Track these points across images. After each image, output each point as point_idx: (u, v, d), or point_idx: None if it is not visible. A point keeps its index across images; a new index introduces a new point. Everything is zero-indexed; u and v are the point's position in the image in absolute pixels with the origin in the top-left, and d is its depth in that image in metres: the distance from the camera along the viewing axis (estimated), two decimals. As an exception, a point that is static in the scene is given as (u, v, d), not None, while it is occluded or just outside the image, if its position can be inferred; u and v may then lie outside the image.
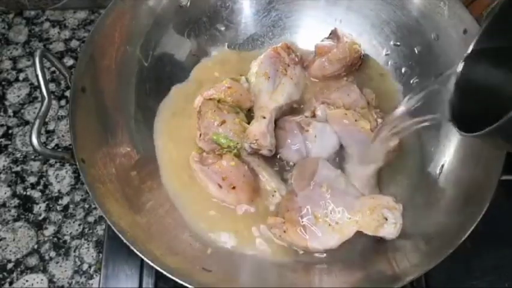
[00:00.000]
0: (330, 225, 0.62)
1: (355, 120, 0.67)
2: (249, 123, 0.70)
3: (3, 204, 0.77)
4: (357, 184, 0.66)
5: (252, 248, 0.65)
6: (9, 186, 0.79)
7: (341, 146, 0.69)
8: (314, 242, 0.63)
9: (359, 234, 0.63)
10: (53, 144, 0.83)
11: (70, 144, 0.59)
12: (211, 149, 0.69)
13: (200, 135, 0.69)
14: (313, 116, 0.71)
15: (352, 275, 0.61)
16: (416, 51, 0.77)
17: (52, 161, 0.81)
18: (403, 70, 0.78)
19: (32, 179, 0.79)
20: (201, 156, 0.69)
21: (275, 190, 0.68)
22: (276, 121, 0.71)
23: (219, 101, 0.71)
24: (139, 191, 0.67)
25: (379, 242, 0.64)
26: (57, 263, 0.73)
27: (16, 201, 0.78)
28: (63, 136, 0.83)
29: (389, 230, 0.61)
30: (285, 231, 0.64)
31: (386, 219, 0.61)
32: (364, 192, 0.65)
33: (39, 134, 0.57)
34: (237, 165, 0.67)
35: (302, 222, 0.63)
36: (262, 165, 0.69)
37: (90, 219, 0.76)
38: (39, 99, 0.83)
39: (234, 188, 0.66)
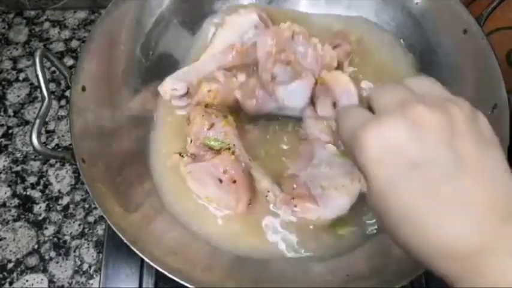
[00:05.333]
0: (337, 189, 0.63)
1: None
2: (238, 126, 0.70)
3: (3, 204, 0.77)
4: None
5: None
6: (9, 186, 0.79)
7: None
8: (326, 209, 0.63)
9: (358, 235, 0.63)
10: (53, 144, 0.83)
11: (70, 144, 0.58)
12: (204, 152, 0.68)
13: (191, 141, 0.68)
14: (273, 78, 0.70)
15: (352, 275, 0.61)
16: (416, 52, 0.77)
17: (52, 161, 0.81)
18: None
19: (32, 179, 0.80)
20: (194, 156, 0.68)
21: (268, 190, 0.67)
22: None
23: (206, 106, 0.70)
24: (140, 191, 0.67)
25: (378, 243, 0.64)
26: (57, 263, 0.73)
27: (16, 201, 0.78)
28: (63, 136, 0.84)
29: None
30: (295, 207, 0.64)
31: None
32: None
33: (39, 134, 0.57)
34: (236, 160, 0.66)
35: (310, 194, 0.63)
36: (255, 166, 0.68)
37: (90, 219, 0.76)
38: (39, 99, 0.83)
39: (234, 181, 0.65)
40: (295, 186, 0.64)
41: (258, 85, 0.70)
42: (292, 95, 0.69)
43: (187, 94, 0.72)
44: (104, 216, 0.55)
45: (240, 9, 0.75)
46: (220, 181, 0.65)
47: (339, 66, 0.75)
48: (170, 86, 0.71)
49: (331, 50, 0.74)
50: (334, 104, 0.70)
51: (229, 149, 0.67)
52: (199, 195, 0.67)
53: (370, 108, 0.39)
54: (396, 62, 0.77)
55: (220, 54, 0.74)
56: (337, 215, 0.63)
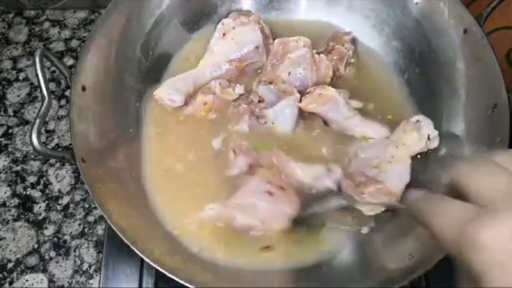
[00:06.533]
0: (389, 161, 0.65)
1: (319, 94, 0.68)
2: None
3: (3, 204, 0.77)
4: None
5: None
6: (9, 186, 0.79)
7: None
8: (391, 181, 0.64)
9: (358, 236, 0.63)
10: (53, 144, 0.83)
11: (70, 144, 0.58)
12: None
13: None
14: (261, 101, 0.70)
15: (352, 274, 0.61)
16: (416, 52, 0.77)
17: (52, 160, 0.81)
18: (403, 70, 0.78)
19: (32, 179, 0.80)
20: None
21: (329, 169, 0.65)
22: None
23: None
24: (140, 190, 0.67)
25: (378, 243, 0.64)
26: (57, 262, 0.73)
27: (16, 200, 0.78)
28: (63, 136, 0.84)
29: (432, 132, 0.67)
30: (362, 194, 0.64)
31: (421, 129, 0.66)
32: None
33: (39, 134, 0.57)
34: (275, 171, 0.65)
35: (369, 178, 0.64)
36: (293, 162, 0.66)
37: (90, 219, 0.76)
38: (39, 99, 0.83)
39: (282, 188, 0.62)
40: (351, 179, 0.64)
41: (248, 110, 0.70)
42: (281, 115, 0.69)
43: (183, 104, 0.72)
44: (104, 216, 0.55)
45: (244, 20, 0.74)
46: (271, 194, 0.62)
47: (335, 74, 0.76)
48: (167, 96, 0.71)
49: (325, 59, 0.74)
50: (325, 122, 0.71)
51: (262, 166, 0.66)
52: (251, 225, 0.62)
53: (454, 192, 0.34)
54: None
55: (218, 65, 0.74)
56: (404, 183, 0.64)
